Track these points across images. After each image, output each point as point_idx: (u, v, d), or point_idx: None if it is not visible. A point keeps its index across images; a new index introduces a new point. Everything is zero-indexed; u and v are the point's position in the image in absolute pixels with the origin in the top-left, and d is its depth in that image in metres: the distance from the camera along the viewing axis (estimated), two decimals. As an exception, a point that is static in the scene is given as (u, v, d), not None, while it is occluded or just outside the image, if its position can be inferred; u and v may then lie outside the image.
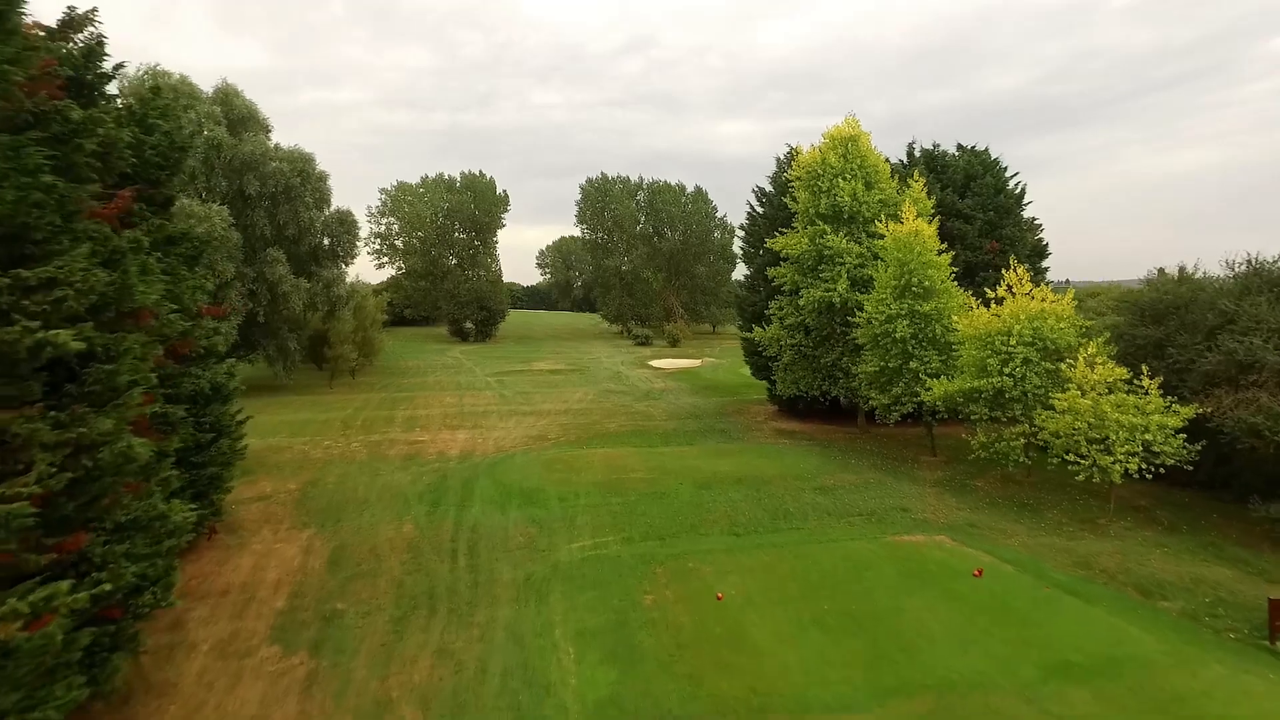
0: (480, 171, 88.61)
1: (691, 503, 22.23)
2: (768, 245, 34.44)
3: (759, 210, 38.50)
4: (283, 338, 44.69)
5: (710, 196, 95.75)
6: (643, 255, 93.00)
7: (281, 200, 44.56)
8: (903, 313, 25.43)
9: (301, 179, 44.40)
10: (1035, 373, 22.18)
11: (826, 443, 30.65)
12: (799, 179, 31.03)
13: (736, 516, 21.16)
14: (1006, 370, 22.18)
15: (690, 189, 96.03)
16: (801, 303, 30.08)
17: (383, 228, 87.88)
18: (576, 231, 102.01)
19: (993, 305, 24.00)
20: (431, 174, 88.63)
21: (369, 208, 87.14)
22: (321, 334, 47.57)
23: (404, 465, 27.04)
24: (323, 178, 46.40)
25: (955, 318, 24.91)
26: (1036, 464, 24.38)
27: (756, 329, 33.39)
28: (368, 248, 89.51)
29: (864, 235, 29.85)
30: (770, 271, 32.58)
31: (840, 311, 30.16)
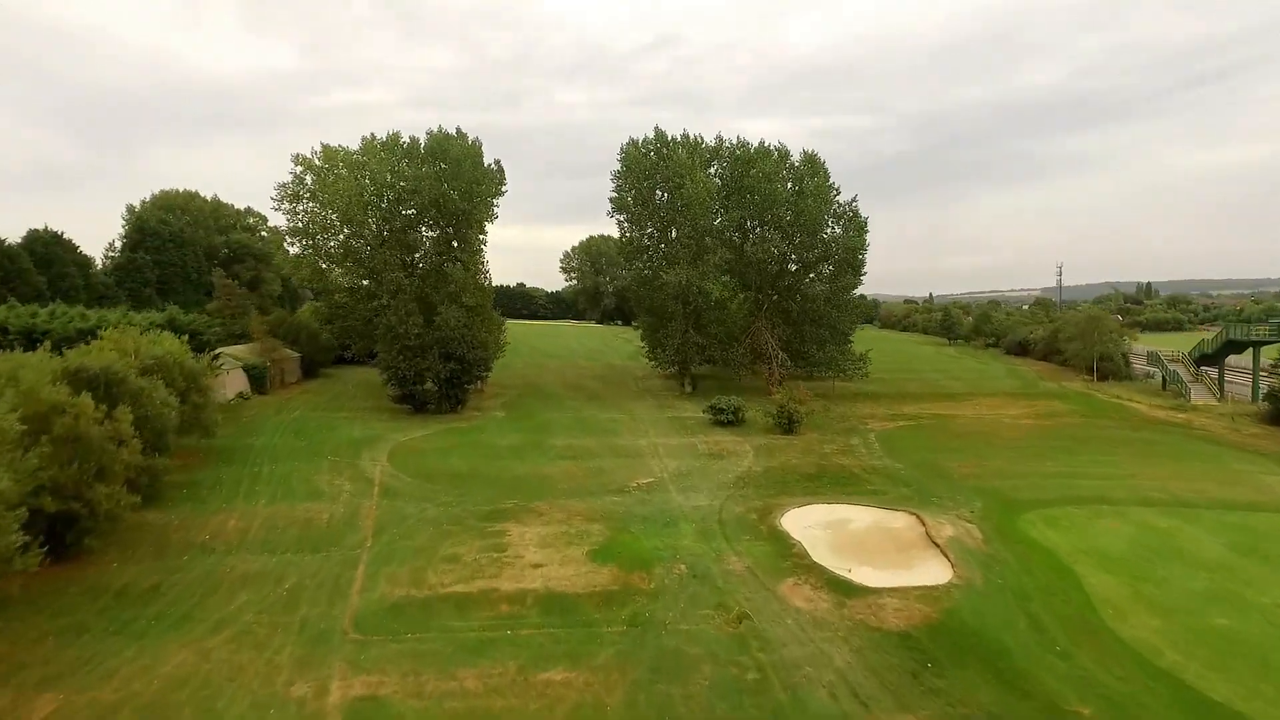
0: (458, 130, 54.16)
1: None
2: None
3: None
4: None
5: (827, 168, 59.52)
6: (720, 262, 57.43)
7: None
8: None
9: None
10: None
11: None
12: None
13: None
14: None
15: (795, 156, 59.98)
16: None
17: (300, 219, 53.71)
18: (610, 228, 66.80)
19: None
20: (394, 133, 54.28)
21: (276, 185, 52.79)
22: None
23: None
24: None
25: None
26: None
27: None
28: (280, 251, 56.05)
29: None
30: None
31: None
